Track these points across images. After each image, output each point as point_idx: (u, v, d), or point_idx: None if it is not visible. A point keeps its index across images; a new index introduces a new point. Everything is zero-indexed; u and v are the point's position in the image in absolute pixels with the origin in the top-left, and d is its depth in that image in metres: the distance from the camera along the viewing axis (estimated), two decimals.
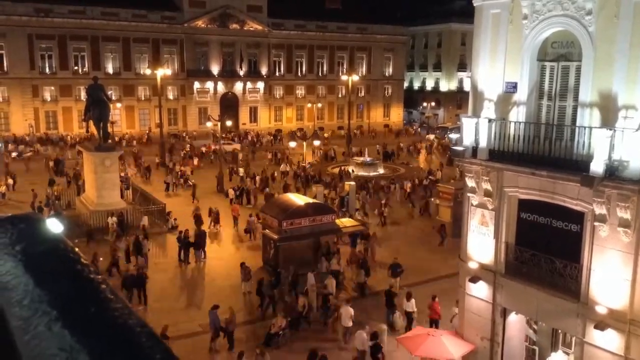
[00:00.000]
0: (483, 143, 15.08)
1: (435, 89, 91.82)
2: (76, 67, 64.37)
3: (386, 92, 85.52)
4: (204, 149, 56.05)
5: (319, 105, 79.15)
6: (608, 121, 12.71)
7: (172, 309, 20.95)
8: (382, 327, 18.13)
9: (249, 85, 74.29)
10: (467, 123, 15.53)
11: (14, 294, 0.82)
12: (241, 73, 73.02)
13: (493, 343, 16.14)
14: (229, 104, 72.96)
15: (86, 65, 64.53)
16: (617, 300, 12.91)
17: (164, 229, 30.58)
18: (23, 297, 0.81)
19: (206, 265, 25.95)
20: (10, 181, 38.54)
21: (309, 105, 78.00)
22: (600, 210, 12.75)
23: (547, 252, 14.55)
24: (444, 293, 22.10)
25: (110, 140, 33.04)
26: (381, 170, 47.17)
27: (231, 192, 36.74)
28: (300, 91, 79.00)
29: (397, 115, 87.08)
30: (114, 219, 28.88)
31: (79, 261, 0.91)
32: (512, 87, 14.93)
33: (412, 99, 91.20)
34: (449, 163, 46.37)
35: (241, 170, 44.05)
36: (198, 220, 29.16)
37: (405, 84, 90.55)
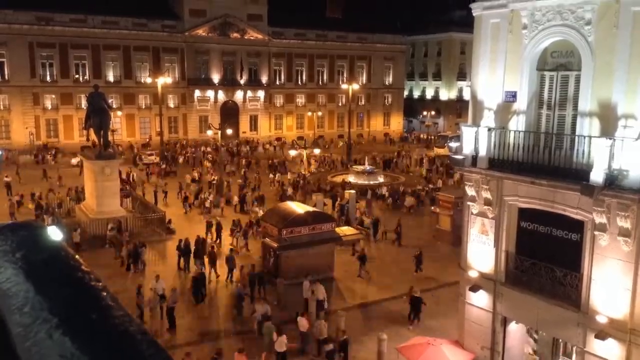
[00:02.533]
0: (483, 152, 15.10)
1: (435, 97, 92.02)
2: (77, 75, 64.50)
3: (386, 100, 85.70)
4: (210, 157, 56.45)
5: (319, 113, 79.31)
6: (608, 130, 12.74)
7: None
8: (382, 337, 18.05)
9: (249, 93, 74.46)
10: (467, 132, 15.56)
11: (14, 301, 0.82)
12: (242, 81, 73.20)
13: (493, 352, 16.08)
14: (230, 113, 73.08)
15: (87, 74, 64.66)
16: (618, 309, 12.87)
17: (164, 237, 30.55)
18: (24, 304, 0.81)
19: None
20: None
21: (309, 113, 78.14)
22: (600, 219, 12.75)
23: (547, 261, 14.54)
24: (443, 302, 22.09)
25: (110, 149, 33.05)
26: (381, 179, 47.11)
27: (235, 199, 36.98)
28: (300, 100, 79.16)
29: (397, 123, 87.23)
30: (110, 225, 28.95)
31: (80, 268, 0.91)
32: (512, 96, 14.97)
33: (412, 107, 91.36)
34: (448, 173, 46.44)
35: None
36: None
37: (405, 93, 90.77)
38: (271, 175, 46.62)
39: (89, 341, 0.74)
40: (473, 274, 16.32)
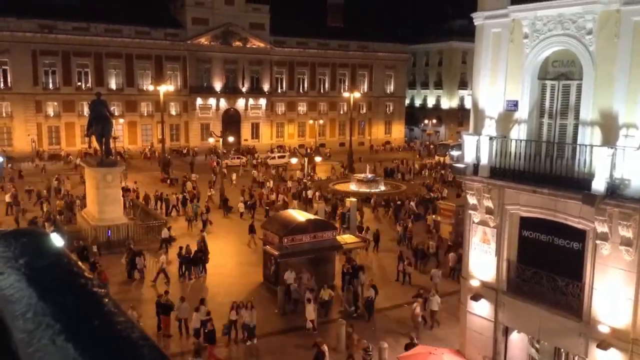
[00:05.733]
0: (484, 160, 15.11)
1: (437, 106, 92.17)
2: (79, 83, 64.72)
3: (388, 109, 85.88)
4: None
5: (321, 121, 79.44)
6: (609, 139, 12.75)
7: (171, 326, 20.80)
8: (383, 346, 17.99)
9: (251, 101, 74.67)
10: (469, 140, 15.58)
11: (17, 307, 0.82)
12: (243, 89, 73.43)
13: None
14: (231, 120, 73.25)
15: (89, 81, 64.89)
16: (620, 319, 12.82)
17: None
18: (26, 310, 0.81)
19: (207, 281, 25.85)
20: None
21: (311, 121, 78.28)
22: (602, 228, 12.73)
23: (549, 270, 14.50)
24: (444, 311, 22.00)
25: (112, 156, 33.15)
26: (382, 187, 47.11)
27: (241, 206, 36.97)
28: (302, 108, 79.35)
29: (398, 132, 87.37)
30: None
31: (82, 275, 0.92)
32: (513, 105, 15.00)
33: (414, 116, 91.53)
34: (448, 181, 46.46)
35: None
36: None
37: (407, 101, 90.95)
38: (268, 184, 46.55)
39: (92, 347, 0.75)
40: (474, 282, 16.28)
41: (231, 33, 71.54)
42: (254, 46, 73.20)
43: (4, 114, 61.30)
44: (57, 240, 1.06)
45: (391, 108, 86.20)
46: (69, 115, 64.08)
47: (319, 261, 24.51)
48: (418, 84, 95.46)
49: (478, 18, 15.79)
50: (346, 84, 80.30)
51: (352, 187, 46.20)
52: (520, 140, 14.58)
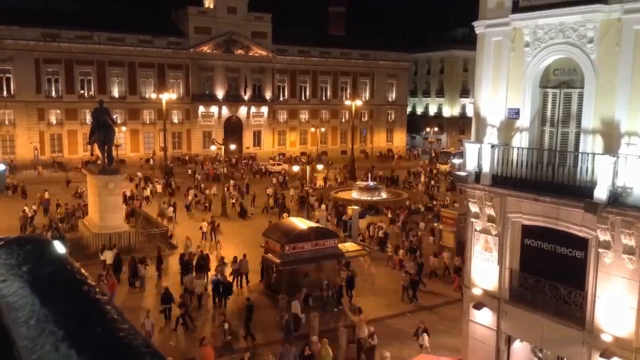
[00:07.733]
0: (486, 168, 15.09)
1: (438, 114, 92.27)
2: (82, 91, 64.90)
3: (389, 117, 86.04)
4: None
5: (323, 129, 79.56)
6: (611, 148, 12.74)
7: (174, 334, 20.75)
8: (385, 354, 17.90)
9: (253, 109, 74.84)
10: (470, 148, 15.58)
11: (20, 314, 0.83)
12: (245, 97, 73.62)
13: None
14: (233, 128, 73.38)
15: (92, 89, 65.09)
16: (623, 328, 12.76)
17: (166, 252, 30.49)
18: (30, 317, 0.81)
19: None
20: None
21: (313, 129, 78.41)
22: (604, 236, 12.69)
23: (551, 279, 14.45)
24: (446, 320, 21.95)
25: (114, 163, 33.20)
26: (384, 195, 46.99)
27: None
28: (304, 116, 79.50)
29: (400, 140, 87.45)
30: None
31: (86, 282, 0.92)
32: (515, 113, 15.01)
33: (415, 124, 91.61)
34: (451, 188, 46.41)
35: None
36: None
37: (408, 109, 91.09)
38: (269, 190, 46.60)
39: (95, 354, 0.75)
40: (477, 291, 16.22)
41: (233, 41, 71.85)
42: (256, 54, 73.48)
43: (6, 122, 61.47)
44: (60, 248, 1.06)
45: (393, 116, 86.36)
46: (71, 123, 64.25)
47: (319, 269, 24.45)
48: (420, 92, 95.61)
49: (479, 26, 15.84)
50: (348, 92, 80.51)
51: (354, 194, 46.09)
52: (522, 148, 14.58)
